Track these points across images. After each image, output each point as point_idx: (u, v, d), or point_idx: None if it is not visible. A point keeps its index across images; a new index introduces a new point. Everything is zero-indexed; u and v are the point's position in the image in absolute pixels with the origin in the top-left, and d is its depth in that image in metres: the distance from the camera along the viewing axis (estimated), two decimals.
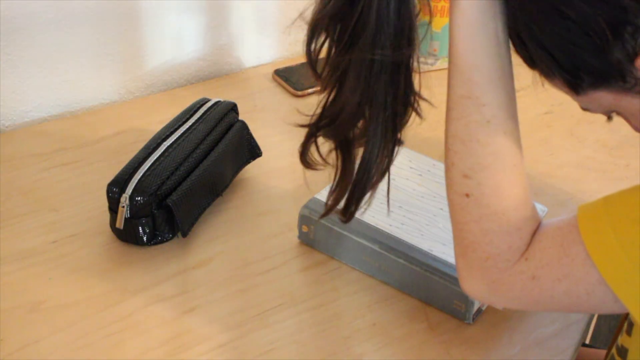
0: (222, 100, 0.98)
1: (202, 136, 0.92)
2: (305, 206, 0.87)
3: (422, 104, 1.18)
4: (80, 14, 1.07)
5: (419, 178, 0.92)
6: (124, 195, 0.84)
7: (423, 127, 1.12)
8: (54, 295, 0.81)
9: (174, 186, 0.86)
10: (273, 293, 0.83)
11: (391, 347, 0.78)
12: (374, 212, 0.86)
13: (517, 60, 1.43)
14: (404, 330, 0.80)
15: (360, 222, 0.85)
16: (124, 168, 0.87)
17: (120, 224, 0.85)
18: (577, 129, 1.14)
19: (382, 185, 0.90)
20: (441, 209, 0.88)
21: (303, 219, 0.87)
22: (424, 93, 1.26)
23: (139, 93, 1.18)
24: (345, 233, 0.85)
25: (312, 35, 0.65)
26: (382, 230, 0.84)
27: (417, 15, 0.63)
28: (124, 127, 1.08)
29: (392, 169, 0.93)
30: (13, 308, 0.79)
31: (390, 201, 0.88)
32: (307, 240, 0.88)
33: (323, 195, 0.88)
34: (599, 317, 1.84)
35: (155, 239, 0.87)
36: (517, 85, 1.33)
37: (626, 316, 0.74)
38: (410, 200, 0.88)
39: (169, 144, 0.89)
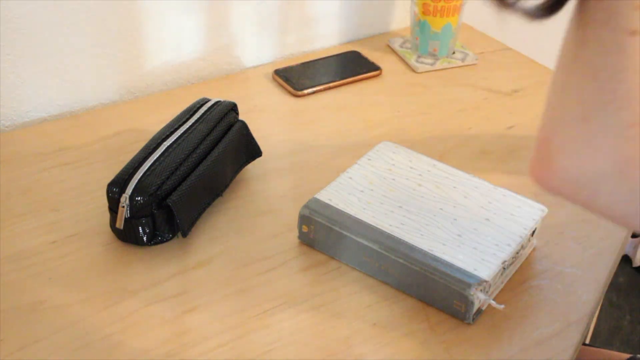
0: (222, 100, 0.98)
1: (202, 136, 0.92)
2: (305, 206, 0.87)
3: (422, 104, 1.18)
4: (80, 14, 1.07)
5: (419, 178, 0.92)
6: (124, 195, 0.84)
7: (423, 127, 1.13)
8: (54, 295, 0.81)
9: (174, 186, 0.87)
10: (273, 293, 0.83)
11: (391, 347, 0.78)
12: (373, 212, 0.86)
13: (515, 58, 1.43)
14: (404, 330, 0.80)
15: (360, 222, 0.85)
16: (124, 168, 0.87)
17: (120, 224, 0.85)
18: None
19: (381, 187, 0.90)
20: (441, 209, 0.88)
21: (303, 219, 0.87)
22: (423, 93, 1.27)
23: (139, 93, 1.18)
24: (345, 233, 0.85)
25: None
26: (382, 230, 0.84)
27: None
28: (124, 127, 1.08)
29: (392, 168, 0.93)
30: (13, 308, 0.79)
31: (390, 201, 0.88)
32: (307, 240, 0.88)
33: (323, 195, 0.88)
34: (599, 317, 1.85)
35: (155, 239, 0.87)
36: (517, 85, 1.34)
37: None
38: (410, 201, 0.88)
39: (169, 144, 0.89)
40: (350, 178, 0.91)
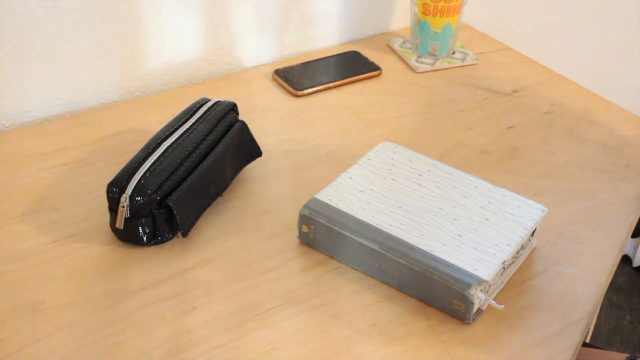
0: (222, 100, 0.98)
1: (202, 136, 0.92)
2: (305, 206, 0.87)
3: (422, 104, 1.19)
4: (80, 14, 1.07)
5: (419, 178, 0.92)
6: (124, 195, 0.84)
7: (423, 127, 1.13)
8: (54, 295, 0.81)
9: (174, 186, 0.87)
10: (273, 293, 0.83)
11: (391, 347, 0.78)
12: (373, 212, 0.87)
13: (515, 58, 1.43)
14: (404, 330, 0.80)
15: (360, 222, 0.85)
16: (124, 168, 0.87)
17: (120, 224, 0.85)
18: (577, 129, 1.14)
19: (381, 187, 0.90)
20: (441, 209, 0.88)
21: (303, 219, 0.87)
22: (423, 93, 1.27)
23: (139, 93, 1.18)
24: (345, 233, 0.85)
25: None
26: (382, 230, 0.84)
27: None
28: (124, 127, 1.08)
29: (392, 168, 0.93)
30: (13, 308, 0.79)
31: (390, 201, 0.88)
32: (307, 240, 0.88)
33: (323, 195, 0.88)
34: (599, 317, 1.85)
35: (155, 239, 0.87)
36: (517, 85, 1.34)
37: None
38: (410, 201, 0.88)
39: (169, 144, 0.89)
40: (350, 178, 0.91)
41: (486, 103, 1.20)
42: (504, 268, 0.83)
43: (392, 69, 1.27)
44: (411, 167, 0.94)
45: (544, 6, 1.58)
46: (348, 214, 0.86)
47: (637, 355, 0.95)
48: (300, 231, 0.88)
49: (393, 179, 0.92)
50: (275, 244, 0.89)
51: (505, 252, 0.83)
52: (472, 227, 0.85)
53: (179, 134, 0.91)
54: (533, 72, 1.29)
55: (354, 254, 0.85)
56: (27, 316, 0.78)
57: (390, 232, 0.84)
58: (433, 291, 0.81)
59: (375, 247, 0.83)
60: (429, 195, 0.90)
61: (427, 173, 0.93)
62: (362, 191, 0.89)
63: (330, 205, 0.87)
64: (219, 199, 0.95)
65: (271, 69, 1.24)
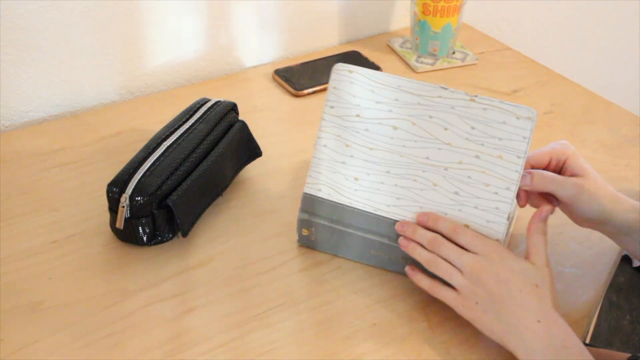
0: (222, 100, 0.98)
1: (202, 136, 0.92)
2: (302, 210, 0.86)
3: None
4: (80, 13, 1.07)
5: (389, 115, 0.83)
6: (124, 195, 0.84)
7: None
8: (54, 295, 0.81)
9: (174, 186, 0.87)
10: (273, 293, 0.83)
11: (391, 347, 0.78)
12: (365, 191, 0.83)
13: (515, 58, 1.43)
14: (404, 330, 0.80)
15: (360, 214, 0.83)
16: (124, 168, 0.87)
17: (120, 224, 0.85)
18: (577, 129, 1.14)
19: (360, 149, 0.90)
20: (427, 157, 0.82)
21: (303, 223, 0.86)
22: None
23: (139, 93, 1.18)
24: (349, 231, 0.84)
25: None
26: (383, 217, 0.83)
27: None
28: (124, 127, 1.08)
29: (359, 113, 0.84)
30: (13, 308, 0.79)
31: (376, 167, 0.83)
32: (308, 243, 0.88)
33: (311, 186, 0.85)
34: (599, 316, 1.85)
35: (155, 239, 0.87)
36: (517, 85, 1.34)
37: None
38: (393, 157, 0.83)
39: (169, 144, 0.89)
40: (325, 146, 0.85)
41: None
42: (509, 223, 0.81)
43: (392, 69, 1.27)
44: (377, 102, 0.84)
45: (544, 6, 1.58)
46: (345, 206, 0.84)
47: (638, 355, 0.95)
48: (300, 235, 0.88)
49: (366, 130, 0.84)
50: (275, 244, 0.89)
51: (505, 200, 0.79)
52: (466, 175, 0.80)
53: (179, 134, 0.91)
54: (533, 72, 1.29)
55: (360, 250, 0.85)
56: (27, 316, 0.78)
57: (392, 217, 0.82)
58: None
59: (384, 240, 0.83)
60: (410, 142, 0.83)
61: (395, 105, 0.84)
62: (343, 162, 0.84)
63: (323, 199, 0.85)
64: (219, 199, 0.95)
65: (271, 69, 1.24)
